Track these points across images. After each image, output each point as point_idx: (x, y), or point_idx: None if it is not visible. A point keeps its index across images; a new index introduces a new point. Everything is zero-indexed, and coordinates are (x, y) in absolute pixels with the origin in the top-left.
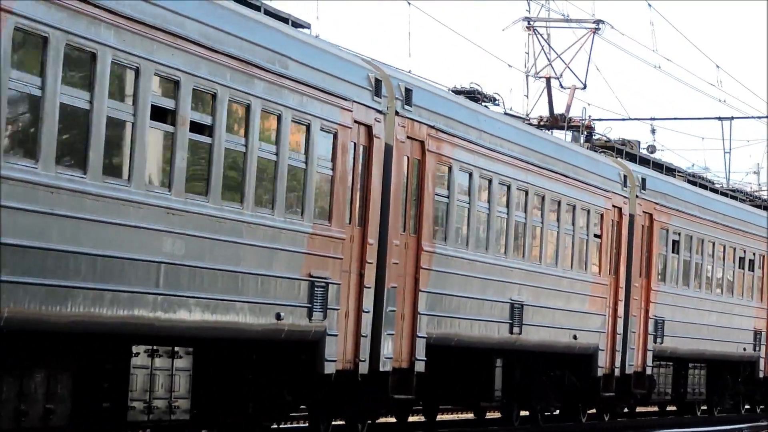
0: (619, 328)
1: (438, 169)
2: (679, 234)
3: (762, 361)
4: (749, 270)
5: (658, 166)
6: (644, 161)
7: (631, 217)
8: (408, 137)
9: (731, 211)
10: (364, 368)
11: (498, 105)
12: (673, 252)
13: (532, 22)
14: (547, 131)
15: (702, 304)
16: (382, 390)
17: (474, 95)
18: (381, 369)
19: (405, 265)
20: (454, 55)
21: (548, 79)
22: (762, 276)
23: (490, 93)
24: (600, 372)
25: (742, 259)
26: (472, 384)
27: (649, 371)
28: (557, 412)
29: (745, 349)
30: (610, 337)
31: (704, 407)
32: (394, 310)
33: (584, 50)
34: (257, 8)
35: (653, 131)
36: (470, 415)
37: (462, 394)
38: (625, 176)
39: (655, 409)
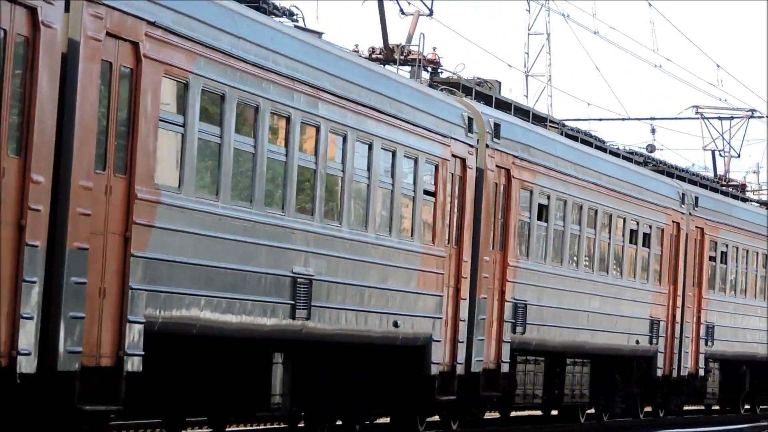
0: (463, 314)
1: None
2: (548, 197)
3: (661, 357)
4: (644, 246)
5: (523, 113)
6: (503, 105)
7: (479, 171)
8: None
9: (625, 174)
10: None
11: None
12: (540, 219)
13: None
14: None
15: (579, 285)
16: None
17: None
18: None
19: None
20: (453, 55)
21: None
22: (661, 254)
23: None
24: (435, 369)
25: (634, 233)
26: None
27: (507, 368)
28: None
29: (638, 342)
30: (450, 325)
31: (590, 411)
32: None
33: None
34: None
35: (653, 131)
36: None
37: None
38: (470, 119)
39: (524, 414)
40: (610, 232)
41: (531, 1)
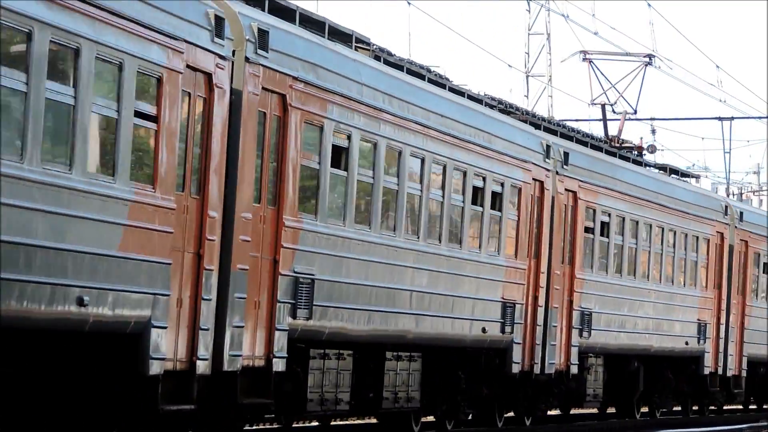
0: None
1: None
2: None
3: (518, 348)
4: (495, 210)
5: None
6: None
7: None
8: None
9: (466, 115)
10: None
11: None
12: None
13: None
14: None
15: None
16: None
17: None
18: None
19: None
20: (454, 55)
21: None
22: (518, 219)
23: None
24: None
25: (479, 190)
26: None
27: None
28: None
29: (485, 330)
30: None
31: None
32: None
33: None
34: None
35: (653, 131)
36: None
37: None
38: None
39: None
40: (444, 190)
41: (531, 1)
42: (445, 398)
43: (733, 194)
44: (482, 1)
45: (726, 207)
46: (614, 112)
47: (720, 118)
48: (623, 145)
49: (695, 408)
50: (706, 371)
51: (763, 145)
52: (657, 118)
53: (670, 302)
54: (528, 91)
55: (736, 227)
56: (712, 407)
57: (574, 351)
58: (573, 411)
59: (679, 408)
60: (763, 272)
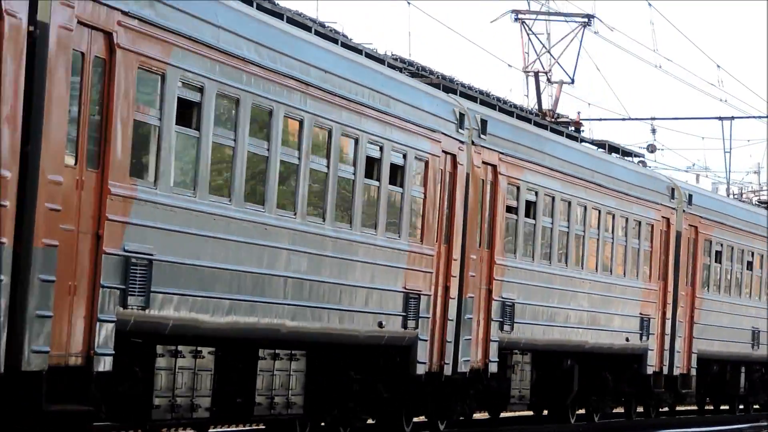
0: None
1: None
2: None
3: (423, 346)
4: (396, 186)
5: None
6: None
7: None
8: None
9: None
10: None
11: None
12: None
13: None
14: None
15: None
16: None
17: None
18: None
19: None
20: (454, 55)
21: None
22: (425, 197)
23: None
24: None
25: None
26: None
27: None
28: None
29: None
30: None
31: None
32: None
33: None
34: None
35: (653, 131)
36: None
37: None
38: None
39: None
40: (329, 159)
41: (531, 1)
42: (335, 403)
43: (733, 194)
44: (482, 1)
45: (673, 189)
46: (549, 81)
47: (720, 118)
48: (558, 119)
49: (640, 410)
50: (650, 370)
51: (763, 145)
52: (657, 117)
53: (608, 294)
54: (528, 90)
55: (684, 211)
56: (665, 409)
57: (494, 347)
58: (504, 414)
59: (622, 410)
60: (716, 261)
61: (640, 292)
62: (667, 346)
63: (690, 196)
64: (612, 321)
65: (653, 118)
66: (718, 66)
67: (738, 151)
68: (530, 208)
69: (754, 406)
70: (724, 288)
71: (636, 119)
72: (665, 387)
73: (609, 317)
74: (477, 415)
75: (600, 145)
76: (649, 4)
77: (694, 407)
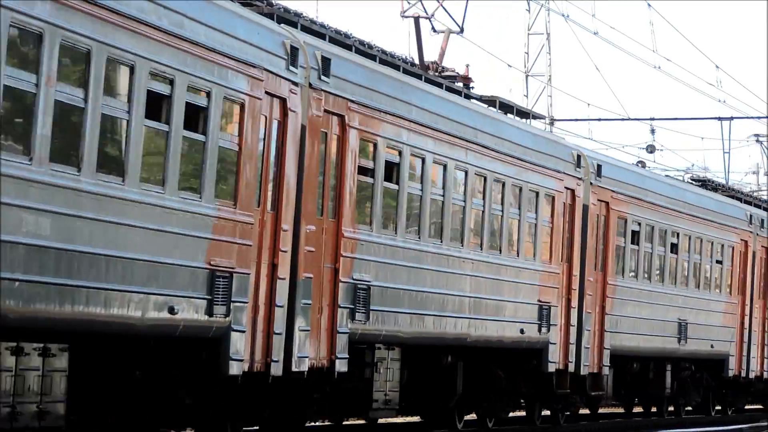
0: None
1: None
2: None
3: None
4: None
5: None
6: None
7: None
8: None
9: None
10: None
11: None
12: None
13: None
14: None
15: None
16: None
17: None
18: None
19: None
20: (453, 55)
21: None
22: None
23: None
24: (552, 368)
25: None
26: None
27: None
28: None
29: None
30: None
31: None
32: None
33: None
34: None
35: (653, 131)
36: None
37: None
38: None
39: None
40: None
41: (531, 1)
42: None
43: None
44: (482, 0)
45: (579, 157)
46: (434, 30)
47: (720, 118)
48: (443, 73)
49: (546, 413)
50: (551, 368)
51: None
52: (656, 118)
53: (497, 277)
54: (528, 91)
55: (592, 184)
56: (584, 412)
57: (342, 340)
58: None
59: (524, 414)
60: (632, 243)
61: (538, 276)
62: (573, 339)
63: (599, 166)
64: (503, 309)
65: (652, 119)
66: (717, 66)
67: (737, 152)
68: (392, 171)
69: (686, 408)
70: (643, 274)
71: (635, 119)
72: (572, 388)
73: (499, 305)
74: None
75: (490, 102)
76: (649, 5)
77: (620, 410)
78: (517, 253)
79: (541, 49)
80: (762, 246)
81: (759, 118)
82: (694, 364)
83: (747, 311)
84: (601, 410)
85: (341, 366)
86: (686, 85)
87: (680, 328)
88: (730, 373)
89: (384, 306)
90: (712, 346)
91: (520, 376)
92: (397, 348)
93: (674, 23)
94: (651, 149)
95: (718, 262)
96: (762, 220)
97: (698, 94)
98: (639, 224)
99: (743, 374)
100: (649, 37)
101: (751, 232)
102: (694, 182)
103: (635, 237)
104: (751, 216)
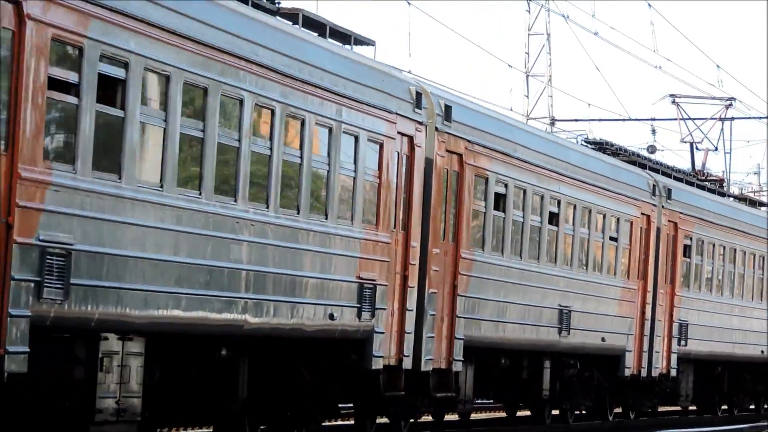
0: None
1: None
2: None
3: None
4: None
5: None
6: None
7: None
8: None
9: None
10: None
11: None
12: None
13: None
14: None
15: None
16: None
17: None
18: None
19: None
20: (454, 55)
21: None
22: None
23: None
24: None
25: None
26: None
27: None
28: None
29: None
30: None
31: None
32: None
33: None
34: None
35: (653, 131)
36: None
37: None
38: None
39: None
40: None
41: (531, 2)
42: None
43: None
44: (482, 0)
45: (419, 95)
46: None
47: (720, 119)
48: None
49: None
50: (377, 364)
51: (763, 146)
52: (657, 118)
53: (295, 245)
54: (528, 91)
55: (438, 129)
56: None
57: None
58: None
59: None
60: (497, 209)
61: (350, 244)
62: (410, 328)
63: (447, 107)
64: (301, 287)
65: (653, 119)
66: (718, 66)
67: (738, 152)
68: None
69: (575, 413)
70: (512, 249)
71: (635, 119)
72: (412, 389)
73: (285, 281)
74: None
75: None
76: (649, 5)
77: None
78: (330, 216)
79: (541, 50)
80: (669, 221)
81: (759, 118)
82: (581, 360)
83: (649, 299)
84: (473, 416)
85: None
86: (687, 85)
87: (561, 316)
88: (628, 372)
89: (122, 283)
90: (603, 340)
91: (332, 374)
92: (143, 338)
93: (675, 23)
94: (652, 149)
95: (612, 239)
96: (669, 191)
97: (699, 94)
98: (505, 186)
99: (644, 372)
100: (650, 37)
101: (654, 204)
102: (588, 144)
103: (500, 201)
104: (654, 185)
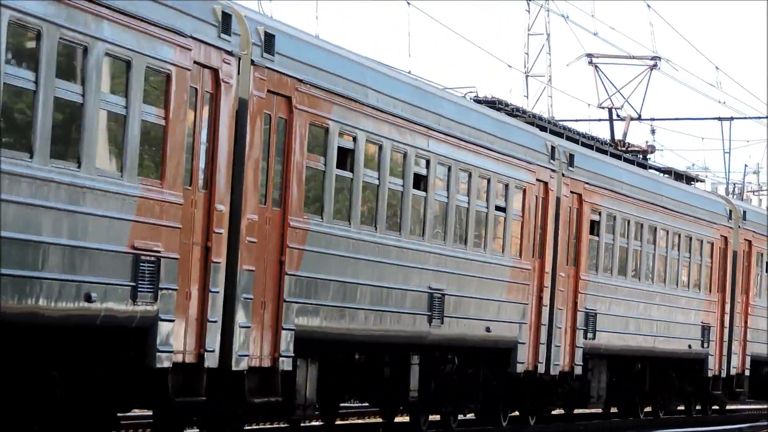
0: None
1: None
2: None
3: None
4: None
5: None
6: None
7: None
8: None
9: None
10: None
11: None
12: None
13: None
14: None
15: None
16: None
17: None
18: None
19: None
20: (454, 55)
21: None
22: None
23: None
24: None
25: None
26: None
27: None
28: None
29: None
30: None
31: None
32: None
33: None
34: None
35: (653, 131)
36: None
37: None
38: None
39: None
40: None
41: (531, 2)
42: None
43: (734, 195)
44: (482, 0)
45: (224, 16)
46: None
47: (720, 119)
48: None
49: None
50: (161, 363)
51: (762, 145)
52: (657, 118)
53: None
54: (528, 91)
55: (254, 62)
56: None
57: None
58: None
59: None
60: (341, 167)
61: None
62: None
63: (268, 34)
64: None
65: (653, 119)
66: (717, 67)
67: (737, 152)
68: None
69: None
70: (360, 217)
71: (636, 119)
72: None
73: None
74: None
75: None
76: (648, 6)
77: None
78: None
79: (541, 50)
80: (572, 192)
81: (759, 118)
82: (460, 355)
83: (548, 281)
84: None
85: None
86: (686, 86)
87: (432, 301)
88: (521, 368)
89: None
90: (488, 330)
91: (100, 375)
92: None
93: (674, 24)
94: (651, 149)
95: (499, 208)
96: (571, 156)
97: (698, 94)
98: (354, 139)
99: (541, 369)
100: (649, 38)
101: (554, 170)
102: (479, 102)
103: (347, 158)
104: (554, 148)
